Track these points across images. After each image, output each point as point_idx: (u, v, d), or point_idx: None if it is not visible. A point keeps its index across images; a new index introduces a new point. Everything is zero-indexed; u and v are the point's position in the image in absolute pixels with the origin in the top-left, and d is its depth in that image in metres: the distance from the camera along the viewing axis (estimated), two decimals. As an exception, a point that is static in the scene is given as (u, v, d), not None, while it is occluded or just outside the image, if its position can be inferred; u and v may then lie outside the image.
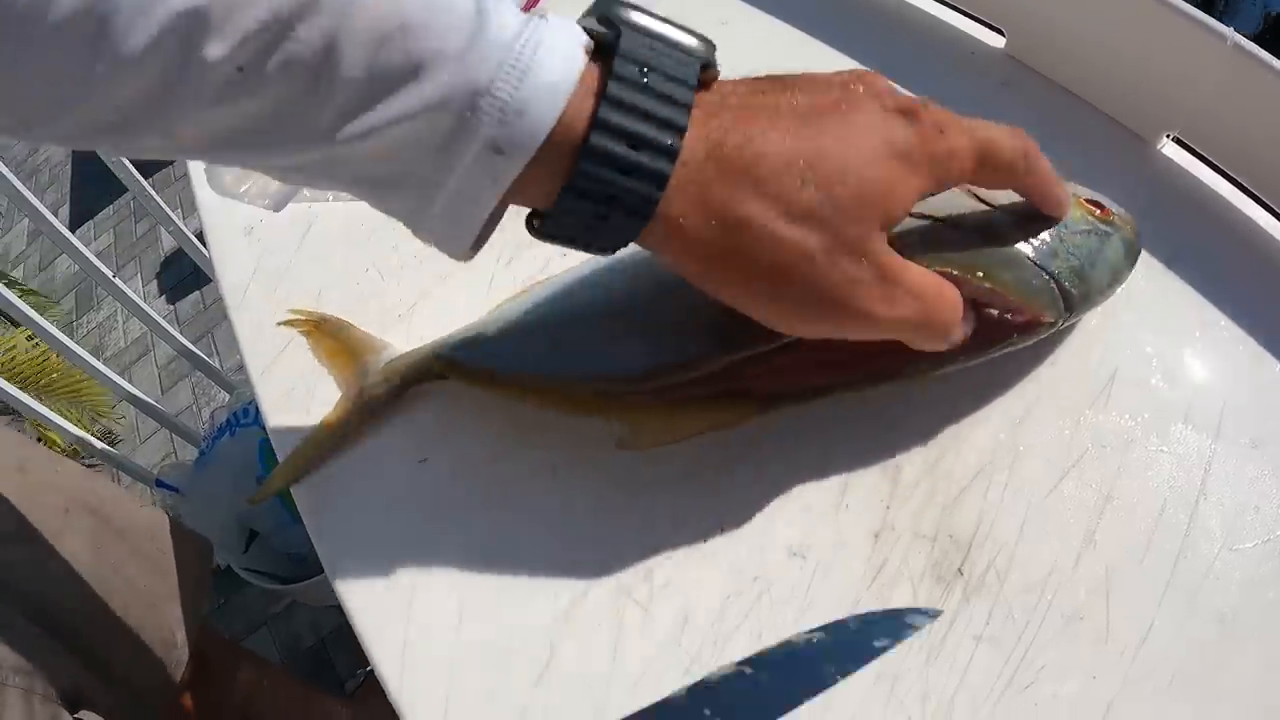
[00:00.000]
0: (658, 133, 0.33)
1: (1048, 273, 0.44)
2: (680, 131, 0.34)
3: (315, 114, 0.32)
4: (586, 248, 0.37)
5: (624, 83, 0.33)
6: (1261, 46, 0.50)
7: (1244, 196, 0.53)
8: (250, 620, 1.72)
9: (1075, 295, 0.45)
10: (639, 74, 0.33)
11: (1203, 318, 0.49)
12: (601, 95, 0.33)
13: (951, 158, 0.37)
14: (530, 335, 0.48)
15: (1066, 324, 0.46)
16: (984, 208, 0.46)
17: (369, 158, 0.34)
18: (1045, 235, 0.45)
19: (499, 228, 0.58)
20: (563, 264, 0.52)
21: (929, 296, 0.38)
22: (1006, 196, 0.47)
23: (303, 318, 0.54)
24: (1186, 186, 0.55)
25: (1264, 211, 0.53)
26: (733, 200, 0.35)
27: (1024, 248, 0.45)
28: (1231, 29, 0.51)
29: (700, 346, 0.44)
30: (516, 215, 0.59)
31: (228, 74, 0.31)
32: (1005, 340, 0.45)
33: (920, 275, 0.38)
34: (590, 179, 0.34)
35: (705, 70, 0.35)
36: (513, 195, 0.35)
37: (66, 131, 0.33)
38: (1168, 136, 0.56)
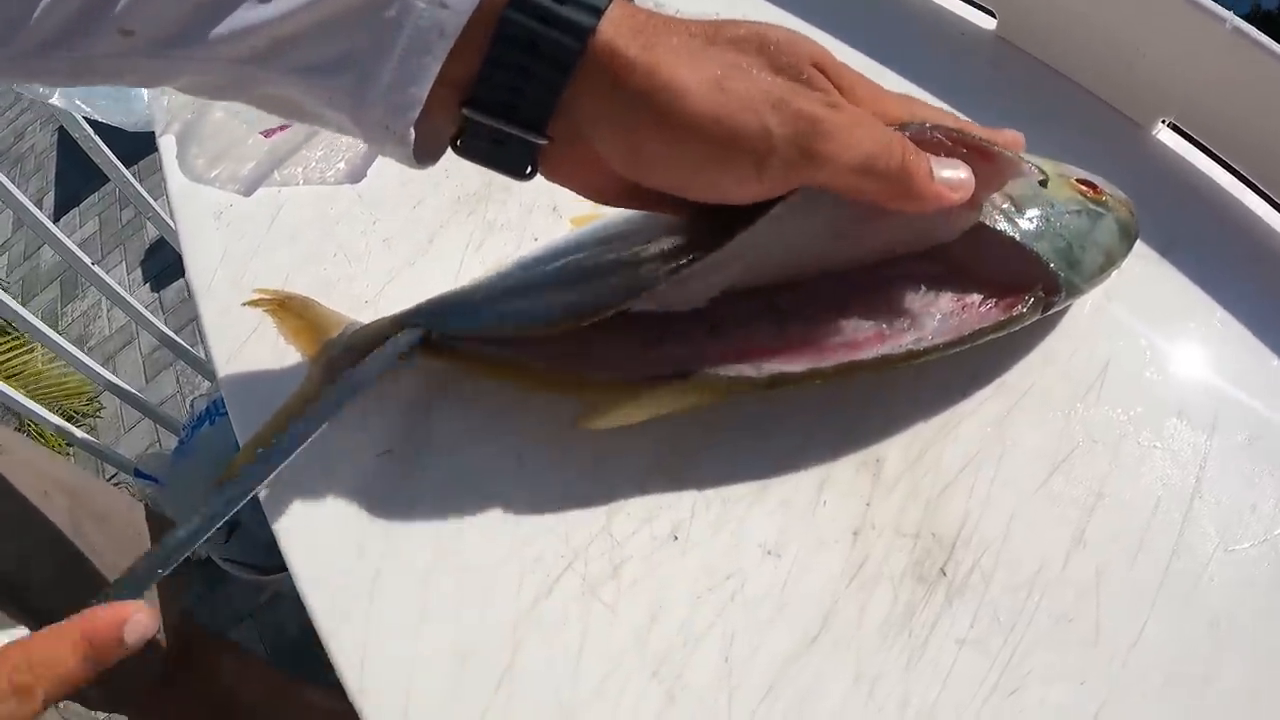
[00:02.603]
0: None
1: (1034, 253, 0.43)
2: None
3: None
4: (513, 133, 0.36)
5: None
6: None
7: (1241, 185, 0.52)
8: (235, 612, 1.70)
9: (1063, 277, 0.43)
10: None
11: (1198, 309, 0.48)
12: None
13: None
14: (480, 299, 0.48)
15: (1054, 310, 0.44)
16: None
17: (310, 34, 0.34)
18: (1033, 215, 0.43)
19: (468, 211, 0.57)
20: (532, 248, 0.50)
21: (874, 120, 0.37)
22: None
23: (268, 297, 0.53)
24: (1182, 174, 0.53)
25: (1262, 200, 0.51)
26: (654, 48, 0.35)
27: (1008, 228, 0.43)
28: (1230, 12, 0.49)
29: (610, 295, 0.43)
30: (485, 197, 0.57)
31: None
32: (988, 326, 0.43)
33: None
34: (516, 25, 0.34)
35: None
36: (446, 76, 0.35)
37: (22, 50, 0.34)
38: (1163, 122, 0.54)
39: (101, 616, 0.34)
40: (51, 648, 0.32)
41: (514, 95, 0.35)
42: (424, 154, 0.38)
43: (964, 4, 0.62)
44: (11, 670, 0.31)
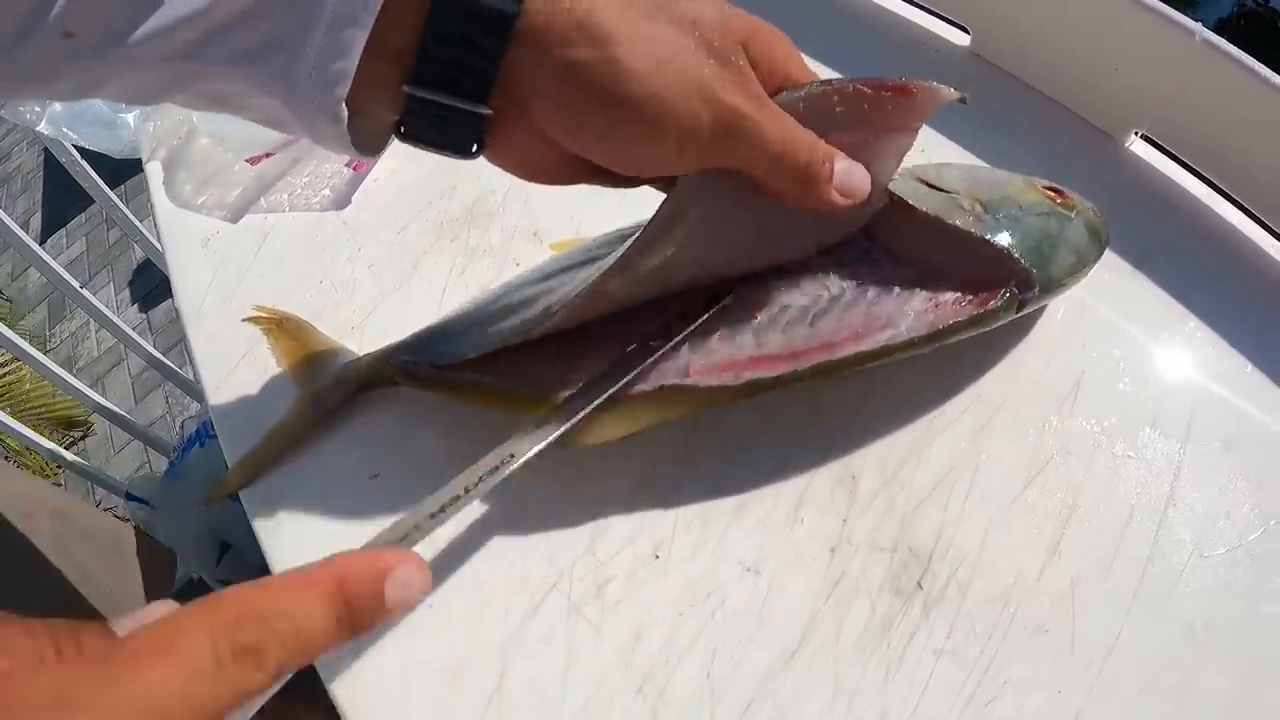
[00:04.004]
0: None
1: (1004, 250, 0.43)
2: None
3: None
4: (456, 105, 0.36)
5: None
6: (1233, 36, 0.49)
7: (1214, 194, 0.53)
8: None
9: (1035, 273, 0.44)
10: None
11: (1172, 318, 0.48)
12: None
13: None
14: (465, 333, 0.48)
15: (1026, 310, 0.45)
16: (937, 192, 0.46)
17: (239, 20, 0.34)
18: (1002, 215, 0.44)
19: (450, 237, 0.58)
20: (514, 272, 0.51)
21: (792, 122, 0.38)
22: (960, 181, 0.46)
23: (266, 314, 0.54)
24: (1155, 185, 0.54)
25: (1235, 209, 0.52)
26: (593, 13, 0.35)
27: (978, 228, 0.44)
28: (1199, 24, 0.50)
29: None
30: (468, 223, 0.58)
31: None
32: (963, 321, 0.43)
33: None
34: None
35: None
36: (385, 48, 0.34)
37: None
38: (1136, 134, 0.55)
39: (357, 565, 0.26)
40: (294, 599, 0.25)
41: (455, 68, 0.35)
42: (365, 141, 0.38)
43: (938, 20, 0.63)
44: (233, 625, 0.23)
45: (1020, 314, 0.45)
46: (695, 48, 0.36)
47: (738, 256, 0.45)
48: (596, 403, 0.42)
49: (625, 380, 0.43)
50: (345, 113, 0.36)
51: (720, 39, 0.36)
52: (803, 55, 0.40)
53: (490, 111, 0.36)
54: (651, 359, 0.43)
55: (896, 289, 0.44)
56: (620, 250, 0.42)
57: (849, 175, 0.40)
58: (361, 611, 0.26)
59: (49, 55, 0.34)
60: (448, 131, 0.37)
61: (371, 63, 0.34)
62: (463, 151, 0.38)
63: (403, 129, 0.38)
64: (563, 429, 0.41)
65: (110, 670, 0.21)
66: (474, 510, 0.46)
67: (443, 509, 0.37)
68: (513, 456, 0.40)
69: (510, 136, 0.38)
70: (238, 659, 0.22)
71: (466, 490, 0.38)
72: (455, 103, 0.36)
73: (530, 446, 0.41)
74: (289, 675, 0.25)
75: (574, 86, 0.35)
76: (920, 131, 0.42)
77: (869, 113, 0.40)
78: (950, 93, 0.41)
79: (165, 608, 0.26)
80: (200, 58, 0.35)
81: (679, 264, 0.43)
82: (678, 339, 0.44)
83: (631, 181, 0.41)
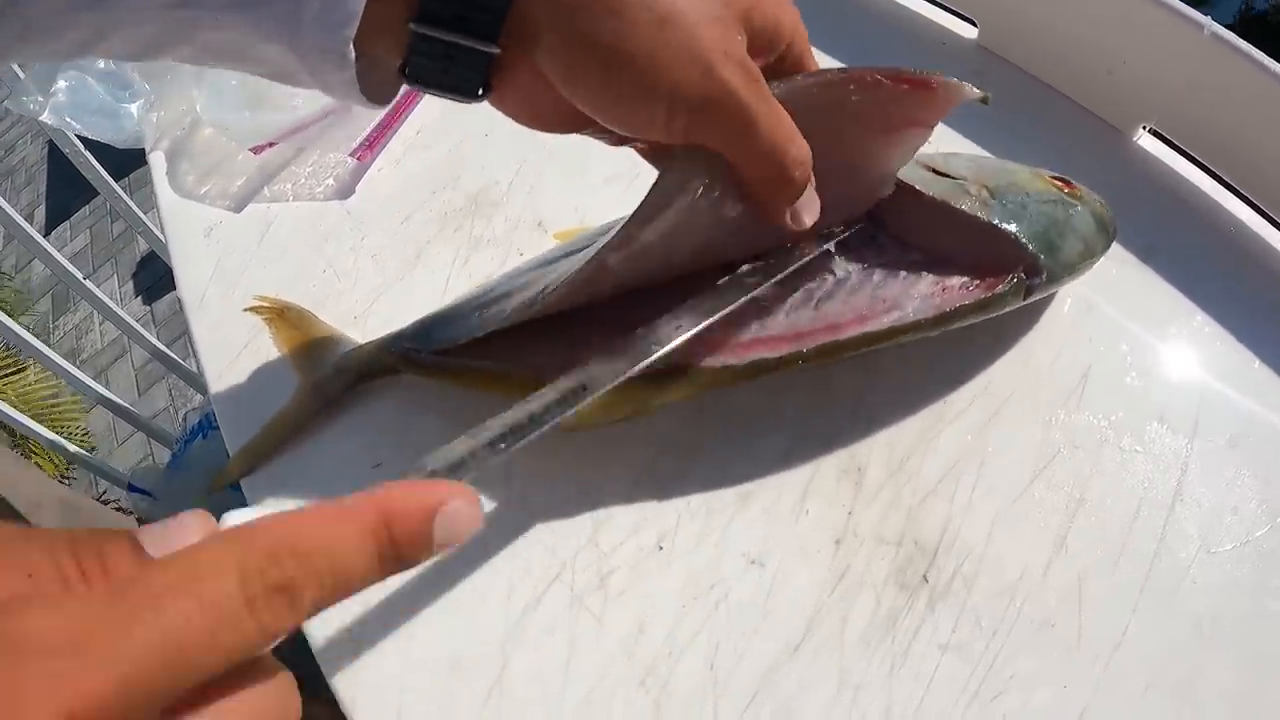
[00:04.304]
0: None
1: (1012, 234, 0.43)
2: None
3: None
4: (464, 43, 0.36)
5: None
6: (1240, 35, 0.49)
7: (1222, 189, 0.53)
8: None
9: (1042, 259, 0.43)
10: None
11: (1179, 313, 0.48)
12: None
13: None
14: (465, 318, 0.48)
15: (1034, 296, 0.45)
16: (943, 178, 0.45)
17: None
18: (1009, 201, 0.44)
19: (454, 227, 0.58)
20: (517, 262, 0.51)
21: (784, 115, 0.38)
22: (967, 168, 0.46)
23: (267, 304, 0.54)
24: (1163, 179, 0.54)
25: (1242, 204, 0.52)
26: None
27: (986, 214, 0.44)
28: (1209, 18, 0.50)
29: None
30: (471, 213, 0.58)
31: None
32: (970, 305, 0.43)
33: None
34: None
35: None
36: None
37: None
38: (1144, 128, 0.55)
39: (404, 498, 0.24)
40: (333, 534, 0.23)
41: (465, 5, 0.35)
42: (372, 89, 0.37)
43: (946, 13, 0.63)
44: (267, 562, 0.21)
45: (1027, 300, 0.44)
46: (698, 11, 0.35)
47: (740, 236, 0.44)
48: (683, 338, 0.40)
49: (690, 334, 0.41)
50: (353, 55, 0.35)
51: (724, 5, 0.36)
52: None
53: (498, 51, 0.36)
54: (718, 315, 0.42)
55: (903, 273, 0.44)
56: (618, 225, 0.41)
57: (807, 204, 0.40)
58: (407, 549, 0.24)
59: (54, 7, 0.34)
60: (453, 71, 0.37)
61: (376, 3, 0.34)
62: (468, 94, 0.38)
63: (407, 70, 0.37)
64: (639, 366, 0.39)
65: (131, 606, 0.20)
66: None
67: (502, 438, 0.33)
68: (584, 389, 0.37)
69: (515, 79, 0.38)
70: (269, 599, 0.21)
71: (531, 419, 0.34)
72: (463, 40, 0.35)
73: (607, 379, 0.38)
74: (323, 609, 0.23)
75: (577, 34, 0.35)
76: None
77: (885, 104, 0.40)
78: (972, 91, 0.41)
79: (197, 521, 0.25)
80: (199, 4, 0.34)
81: (678, 242, 0.42)
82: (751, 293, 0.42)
83: (618, 138, 0.40)
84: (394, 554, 0.23)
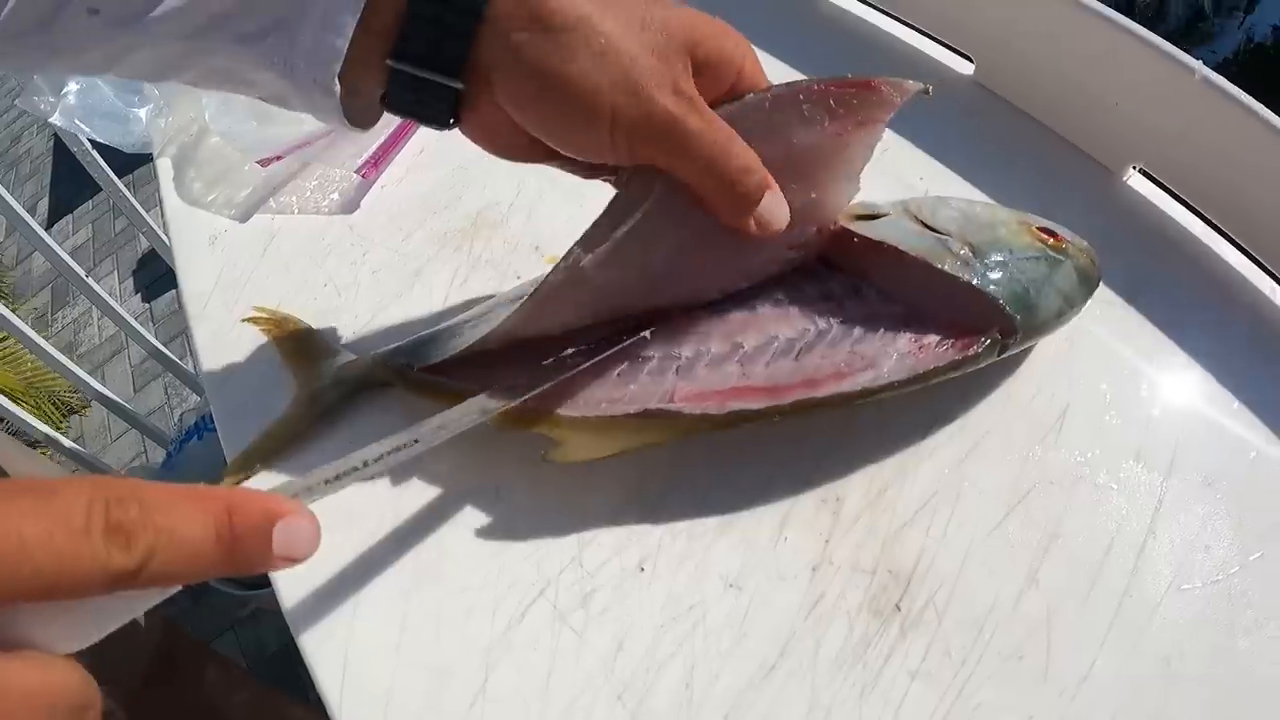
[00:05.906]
0: None
1: (990, 296, 0.44)
2: None
3: None
4: (431, 79, 0.39)
5: None
6: (1239, 72, 0.50)
7: (1210, 230, 0.53)
8: (216, 624, 1.70)
9: (1019, 320, 0.44)
10: None
11: (1161, 351, 0.49)
12: None
13: None
14: (450, 338, 0.50)
15: (1009, 352, 0.46)
16: (928, 233, 0.46)
17: (239, 8, 0.38)
18: (990, 260, 0.45)
19: (454, 247, 0.59)
20: (514, 284, 0.52)
21: (723, 129, 0.40)
22: (953, 221, 0.47)
23: (265, 315, 0.56)
24: (1151, 219, 0.54)
25: (1229, 245, 0.53)
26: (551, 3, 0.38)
27: (965, 273, 0.44)
28: (1200, 62, 0.50)
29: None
30: (471, 234, 0.59)
31: None
32: (944, 365, 0.44)
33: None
34: None
35: None
36: (370, 26, 0.38)
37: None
38: (1134, 168, 0.56)
39: (249, 499, 0.26)
40: (179, 504, 0.24)
41: (431, 45, 0.39)
42: (356, 115, 0.42)
43: (942, 48, 0.64)
44: (114, 500, 0.23)
45: (1002, 357, 0.46)
46: (638, 45, 0.38)
47: (717, 250, 0.46)
48: (538, 390, 0.43)
49: (566, 376, 0.44)
50: (338, 86, 0.39)
51: (666, 39, 0.39)
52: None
53: (462, 86, 0.40)
54: (586, 362, 0.44)
55: (883, 329, 0.45)
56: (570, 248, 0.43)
57: (770, 210, 0.42)
58: (245, 542, 0.25)
59: (75, 30, 0.38)
60: (426, 103, 0.41)
61: (360, 39, 0.38)
62: (440, 124, 0.42)
63: (387, 100, 0.41)
64: (487, 415, 0.42)
65: None
66: (465, 515, 0.47)
67: (338, 477, 0.35)
68: (416, 442, 0.40)
69: (479, 110, 0.41)
70: (109, 532, 0.22)
71: (365, 464, 0.37)
72: (432, 76, 0.39)
73: (455, 423, 0.41)
74: (162, 589, 0.25)
75: (525, 67, 0.38)
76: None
77: (836, 110, 0.42)
78: (914, 85, 0.43)
79: (59, 468, 0.28)
80: (208, 38, 0.39)
81: (652, 253, 0.44)
82: (624, 343, 0.45)
83: (587, 168, 0.44)
84: (232, 539, 0.25)
